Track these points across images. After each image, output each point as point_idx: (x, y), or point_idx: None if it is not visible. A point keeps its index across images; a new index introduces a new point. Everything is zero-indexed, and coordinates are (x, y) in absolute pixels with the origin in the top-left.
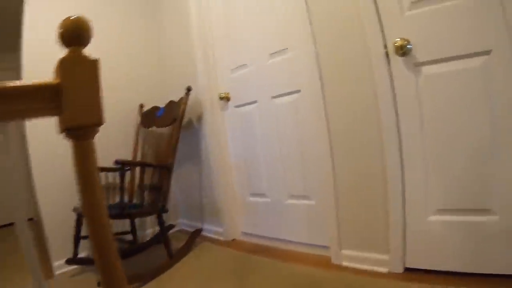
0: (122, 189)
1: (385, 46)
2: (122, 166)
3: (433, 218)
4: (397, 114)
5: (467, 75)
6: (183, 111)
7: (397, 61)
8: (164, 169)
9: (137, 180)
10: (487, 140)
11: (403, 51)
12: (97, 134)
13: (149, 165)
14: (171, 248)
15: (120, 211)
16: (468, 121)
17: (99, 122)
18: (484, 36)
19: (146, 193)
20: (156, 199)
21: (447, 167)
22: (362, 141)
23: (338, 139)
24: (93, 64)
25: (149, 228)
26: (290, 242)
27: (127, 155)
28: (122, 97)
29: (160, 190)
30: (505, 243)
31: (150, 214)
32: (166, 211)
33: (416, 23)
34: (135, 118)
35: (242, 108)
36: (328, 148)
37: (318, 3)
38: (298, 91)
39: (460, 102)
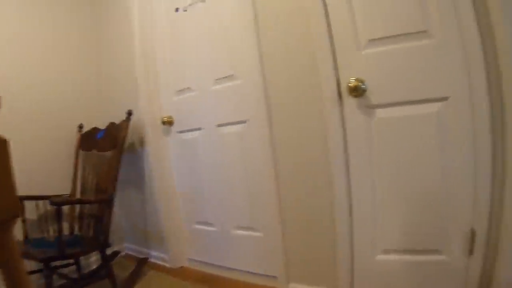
0: (60, 230)
1: (339, 85)
2: (58, 206)
3: (381, 257)
4: (347, 154)
5: (421, 121)
6: (123, 139)
7: (350, 102)
8: (104, 203)
9: (78, 209)
10: (438, 184)
11: (357, 92)
12: (33, 157)
13: (88, 202)
14: (116, 281)
15: (59, 254)
16: (420, 166)
17: (14, 215)
18: (442, 82)
19: (87, 223)
20: (98, 233)
21: (396, 209)
22: (310, 178)
23: (285, 174)
24: (2, 147)
25: (93, 255)
26: (238, 271)
27: (66, 180)
28: (59, 116)
29: (101, 223)
30: (453, 282)
31: (92, 251)
32: (109, 245)
33: (373, 63)
34: (74, 140)
35: (186, 134)
36: (275, 183)
37: (270, 31)
38: (244, 122)
39: (413, 147)
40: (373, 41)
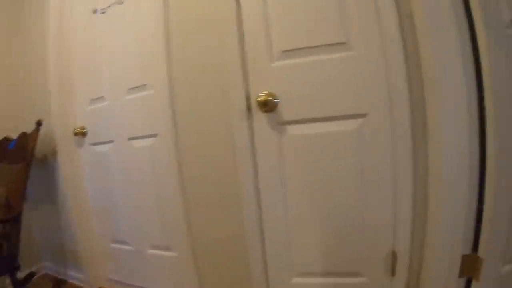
0: None
1: (248, 99)
2: None
3: (297, 280)
4: (256, 173)
5: (338, 138)
6: (32, 151)
7: (260, 117)
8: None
9: None
10: (356, 205)
11: (267, 107)
12: None
13: None
14: None
15: None
16: (337, 186)
17: None
18: (360, 97)
19: None
20: (7, 254)
21: (312, 231)
22: (220, 197)
23: (194, 193)
24: None
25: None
26: None
27: None
28: None
29: (9, 243)
30: None
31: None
32: (18, 268)
33: (286, 76)
34: None
35: (98, 147)
36: (182, 202)
37: (181, 41)
38: (155, 135)
39: (329, 166)
40: (287, 52)
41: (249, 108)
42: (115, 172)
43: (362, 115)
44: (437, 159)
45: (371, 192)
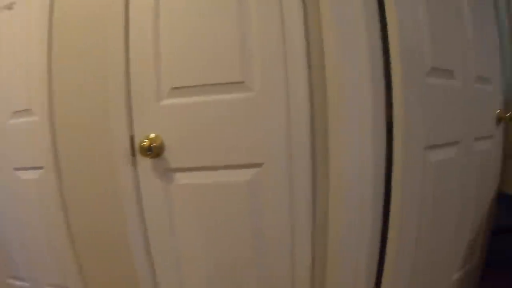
0: None
1: (132, 142)
2: None
3: None
4: (144, 223)
5: (230, 189)
6: None
7: (145, 163)
8: None
9: None
10: (251, 257)
11: (152, 152)
12: None
13: None
14: None
15: None
16: (231, 238)
17: None
18: (256, 145)
19: None
20: None
21: (206, 283)
22: (108, 238)
23: (82, 233)
24: None
25: None
26: None
27: None
28: None
29: None
30: None
31: None
32: None
33: (175, 117)
34: None
35: None
36: (69, 242)
37: (64, 68)
38: (41, 168)
39: (221, 217)
40: (177, 90)
41: (133, 152)
42: (3, 203)
43: (258, 165)
44: (338, 211)
45: (267, 243)
